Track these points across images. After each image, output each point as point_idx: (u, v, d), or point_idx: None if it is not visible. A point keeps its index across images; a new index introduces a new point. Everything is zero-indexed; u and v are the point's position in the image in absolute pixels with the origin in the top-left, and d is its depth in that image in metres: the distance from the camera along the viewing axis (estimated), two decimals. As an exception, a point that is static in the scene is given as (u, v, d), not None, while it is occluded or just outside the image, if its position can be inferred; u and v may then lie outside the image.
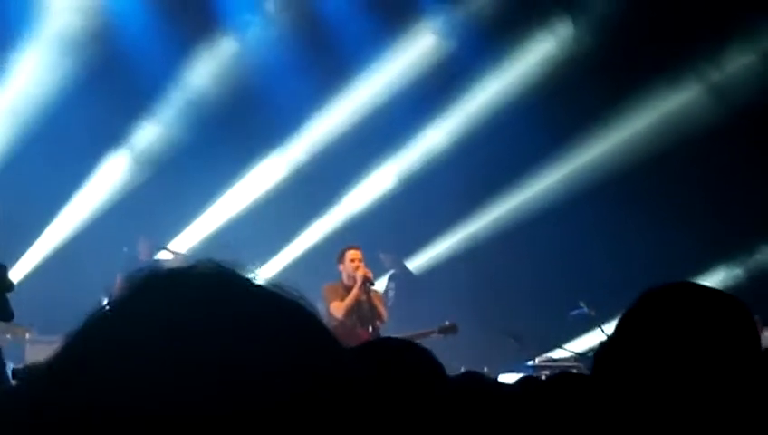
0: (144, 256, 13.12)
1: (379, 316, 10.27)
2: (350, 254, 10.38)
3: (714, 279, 12.63)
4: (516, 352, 11.09)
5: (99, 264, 12.39)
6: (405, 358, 2.73)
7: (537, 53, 13.72)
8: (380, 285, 12.99)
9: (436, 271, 14.36)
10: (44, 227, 13.84)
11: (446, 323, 10.46)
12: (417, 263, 14.48)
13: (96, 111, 13.18)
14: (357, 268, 10.24)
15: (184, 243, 14.35)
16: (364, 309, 10.31)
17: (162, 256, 13.80)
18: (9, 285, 1.28)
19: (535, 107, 13.47)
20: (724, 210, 13.20)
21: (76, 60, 13.13)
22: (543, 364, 10.94)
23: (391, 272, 13.68)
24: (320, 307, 10.40)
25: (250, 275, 1.15)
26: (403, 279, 13.63)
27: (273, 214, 14.16)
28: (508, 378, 7.55)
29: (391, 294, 13.37)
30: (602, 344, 1.92)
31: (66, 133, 12.97)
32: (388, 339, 2.89)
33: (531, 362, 11.01)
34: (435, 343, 9.98)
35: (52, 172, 12.90)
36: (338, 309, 10.17)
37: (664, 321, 1.80)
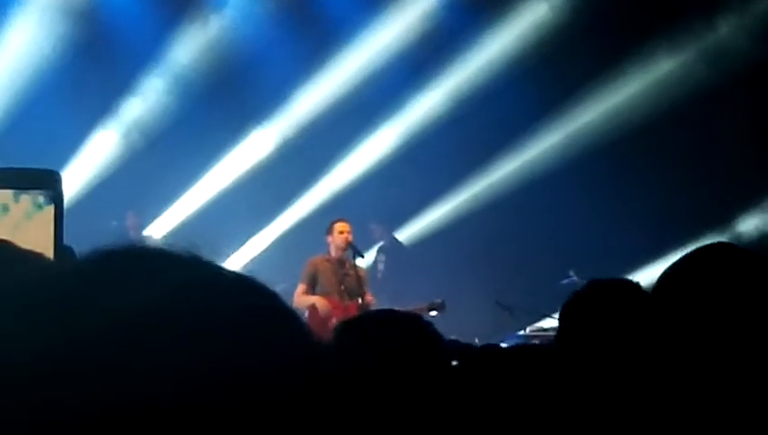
0: (133, 230, 13.11)
1: (364, 289, 10.34)
2: (339, 226, 10.46)
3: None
4: (507, 323, 11.12)
5: (87, 238, 12.34)
6: (401, 329, 2.73)
7: (530, 17, 13.63)
8: (370, 257, 13.01)
9: (426, 242, 14.36)
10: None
11: (436, 300, 10.52)
12: (406, 234, 14.48)
13: (83, 84, 13.14)
14: (345, 240, 10.33)
15: (173, 217, 14.33)
16: (351, 282, 10.36)
17: (150, 230, 13.82)
18: None
19: (525, 74, 13.44)
20: (715, 176, 13.21)
21: (63, 33, 13.05)
22: (534, 334, 10.97)
23: (381, 244, 13.69)
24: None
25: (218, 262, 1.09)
26: (393, 251, 13.63)
27: (262, 187, 14.14)
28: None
29: (381, 266, 13.40)
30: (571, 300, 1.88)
31: (54, 107, 12.90)
32: (384, 311, 2.89)
33: (521, 332, 11.04)
34: (425, 316, 10.04)
35: (40, 147, 12.86)
36: (299, 296, 10.30)
37: (707, 280, 1.78)
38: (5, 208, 1.28)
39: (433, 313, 10.22)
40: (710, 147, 13.24)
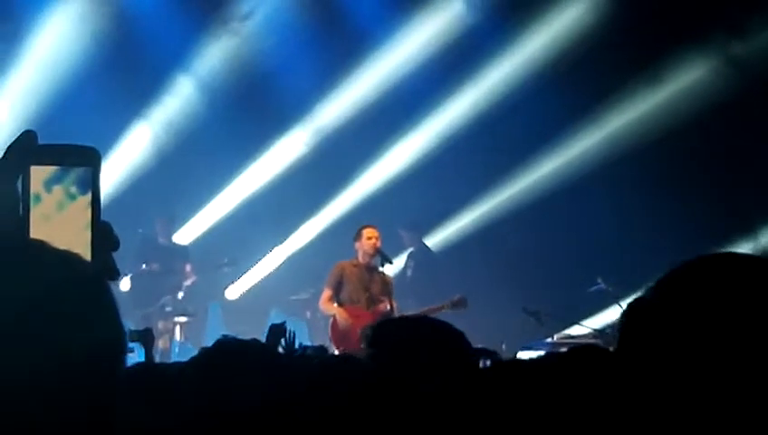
0: (162, 237, 13.18)
1: (389, 296, 10.33)
2: (367, 232, 10.47)
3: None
4: (534, 330, 11.08)
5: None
6: (429, 333, 2.74)
7: (559, 24, 13.60)
8: (399, 262, 13.01)
9: (454, 248, 14.34)
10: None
11: (456, 296, 10.50)
12: (435, 240, 14.47)
13: (113, 89, 13.17)
14: (374, 246, 10.35)
15: (202, 222, 14.38)
16: (376, 288, 10.37)
17: (179, 236, 13.86)
18: (116, 243, 1.29)
19: (552, 81, 13.40)
20: (742, 185, 13.13)
21: (94, 37, 13.09)
22: (562, 341, 10.93)
23: (410, 250, 13.68)
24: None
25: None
26: (422, 257, 13.61)
27: (292, 192, 14.16)
28: (526, 355, 7.55)
29: (410, 272, 13.39)
30: (631, 308, 1.86)
31: (82, 112, 12.95)
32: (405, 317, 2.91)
33: (549, 339, 11.00)
34: (452, 321, 10.03)
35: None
36: (323, 302, 10.39)
37: (709, 290, 1.77)
38: (37, 198, 1.29)
39: (453, 309, 10.25)
40: (737, 155, 13.17)
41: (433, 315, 9.68)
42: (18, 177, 1.30)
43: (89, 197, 1.32)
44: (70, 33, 13.04)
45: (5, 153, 1.31)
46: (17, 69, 12.98)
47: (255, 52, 13.87)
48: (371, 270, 10.46)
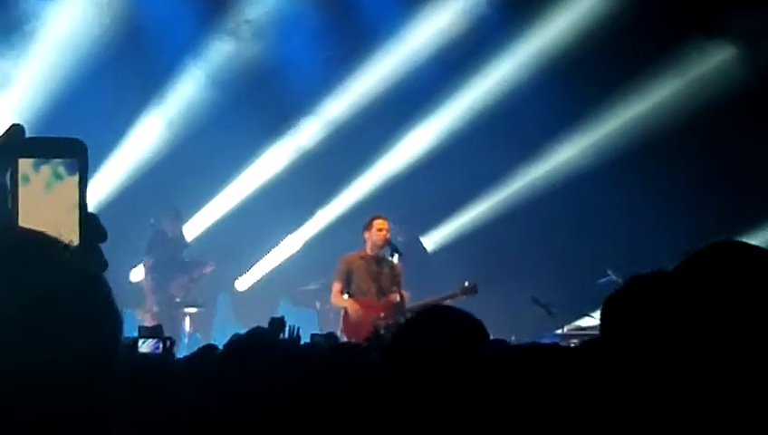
0: (169, 229, 13.17)
1: (399, 286, 10.30)
2: (378, 223, 10.45)
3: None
4: (544, 321, 11.07)
5: (124, 235, 12.46)
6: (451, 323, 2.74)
7: (568, 17, 13.56)
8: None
9: (464, 240, 14.33)
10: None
11: (467, 283, 10.48)
12: (444, 232, 14.47)
13: (122, 81, 13.17)
14: (383, 237, 10.33)
15: (211, 215, 14.39)
16: (385, 279, 10.35)
17: (188, 228, 13.87)
18: (103, 235, 1.29)
19: (560, 74, 13.37)
20: (751, 175, 13.09)
21: (104, 29, 13.09)
22: (571, 333, 10.93)
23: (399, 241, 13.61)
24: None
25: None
26: (409, 253, 13.49)
27: (302, 184, 14.15)
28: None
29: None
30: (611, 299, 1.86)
31: (92, 104, 12.94)
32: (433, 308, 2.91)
33: (559, 331, 11.00)
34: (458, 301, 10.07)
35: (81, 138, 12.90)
36: (334, 297, 10.39)
37: (710, 282, 1.76)
38: (26, 179, 1.30)
39: (464, 296, 10.24)
40: (751, 147, 13.11)
41: (444, 303, 9.76)
42: (6, 170, 1.31)
43: (76, 177, 1.34)
44: (80, 26, 13.03)
45: None
46: (28, 60, 12.98)
47: (266, 43, 13.86)
48: (379, 261, 10.44)
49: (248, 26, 13.79)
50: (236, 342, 2.92)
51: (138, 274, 13.03)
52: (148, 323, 12.04)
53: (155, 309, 12.59)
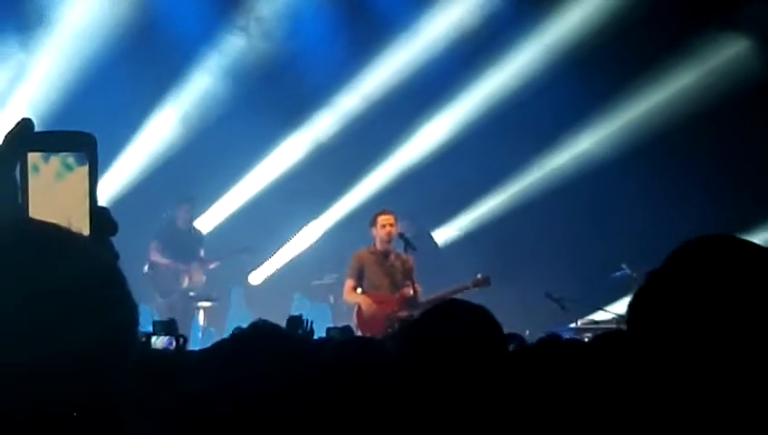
0: (182, 222, 13.15)
1: (411, 279, 10.26)
2: (382, 219, 10.37)
3: (757, 239, 12.49)
4: (558, 315, 11.05)
5: (138, 227, 12.48)
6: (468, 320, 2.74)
7: (583, 8, 13.50)
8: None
9: (478, 233, 14.32)
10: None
11: (479, 275, 10.45)
12: (458, 224, 14.46)
13: (137, 73, 13.17)
14: (388, 233, 10.25)
15: (225, 208, 14.39)
16: (397, 273, 10.32)
17: (202, 221, 13.87)
18: (113, 228, 1.30)
19: (576, 65, 13.33)
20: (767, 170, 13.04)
21: (118, 20, 13.08)
22: (585, 326, 10.91)
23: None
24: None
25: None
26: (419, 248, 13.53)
27: (315, 178, 14.14)
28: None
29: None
30: (636, 297, 1.85)
31: (107, 96, 12.95)
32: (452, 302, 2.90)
33: (572, 325, 10.97)
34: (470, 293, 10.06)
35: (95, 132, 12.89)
36: (347, 293, 10.35)
37: (701, 275, 1.75)
38: (35, 169, 1.30)
39: (476, 288, 10.22)
40: (762, 137, 13.05)
41: (456, 296, 9.74)
42: (16, 164, 1.31)
43: (86, 168, 1.34)
44: (95, 18, 13.03)
45: (3, 141, 1.32)
46: (43, 52, 13.00)
47: (280, 36, 13.85)
48: (389, 255, 10.39)
49: (260, 22, 13.78)
50: (240, 335, 2.92)
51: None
52: (161, 313, 12.07)
53: (160, 300, 12.61)
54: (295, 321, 6.20)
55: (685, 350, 1.68)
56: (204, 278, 12.97)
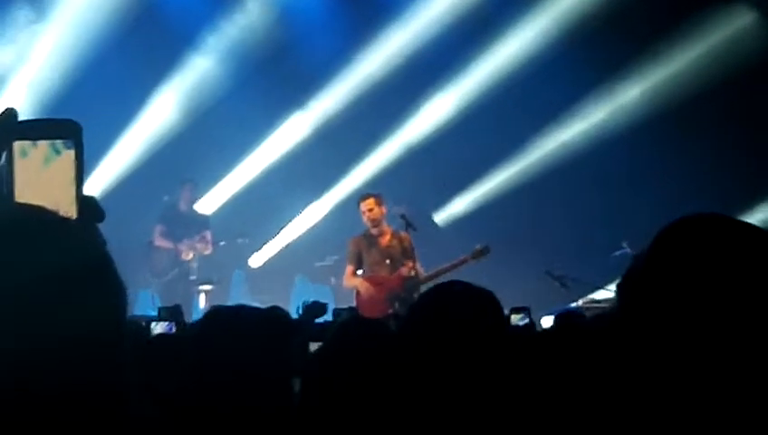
0: (185, 202, 13.15)
1: (411, 258, 10.24)
2: (362, 205, 10.37)
3: (757, 217, 12.49)
4: (559, 294, 11.05)
5: (138, 211, 12.47)
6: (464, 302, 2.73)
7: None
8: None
9: (478, 213, 14.31)
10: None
11: (478, 246, 10.44)
12: (458, 206, 14.45)
13: (136, 56, 13.15)
14: (369, 219, 10.22)
15: (227, 189, 14.38)
16: (395, 253, 10.31)
17: (204, 203, 13.86)
18: (100, 215, 1.30)
19: (571, 49, 13.29)
20: (766, 148, 13.00)
21: (118, 4, 13.06)
22: (587, 306, 10.90)
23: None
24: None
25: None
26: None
27: (315, 160, 14.15)
28: (550, 320, 7.52)
29: None
30: (626, 276, 1.84)
31: (106, 80, 12.93)
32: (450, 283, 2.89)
33: (574, 304, 10.96)
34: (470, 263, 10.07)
35: (94, 118, 12.88)
36: (347, 279, 10.32)
37: (690, 255, 1.73)
38: (24, 153, 1.30)
39: (476, 260, 10.22)
40: (762, 118, 13.02)
41: (457, 268, 9.76)
42: (1, 154, 1.31)
43: (73, 152, 1.33)
44: (94, 2, 13.00)
45: None
46: (43, 36, 12.97)
47: (279, 18, 13.81)
48: (386, 235, 10.36)
49: (259, 3, 13.74)
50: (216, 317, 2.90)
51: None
52: (161, 297, 12.07)
53: (156, 281, 12.61)
54: (319, 308, 6.19)
55: (671, 332, 1.67)
56: (192, 255, 12.90)
